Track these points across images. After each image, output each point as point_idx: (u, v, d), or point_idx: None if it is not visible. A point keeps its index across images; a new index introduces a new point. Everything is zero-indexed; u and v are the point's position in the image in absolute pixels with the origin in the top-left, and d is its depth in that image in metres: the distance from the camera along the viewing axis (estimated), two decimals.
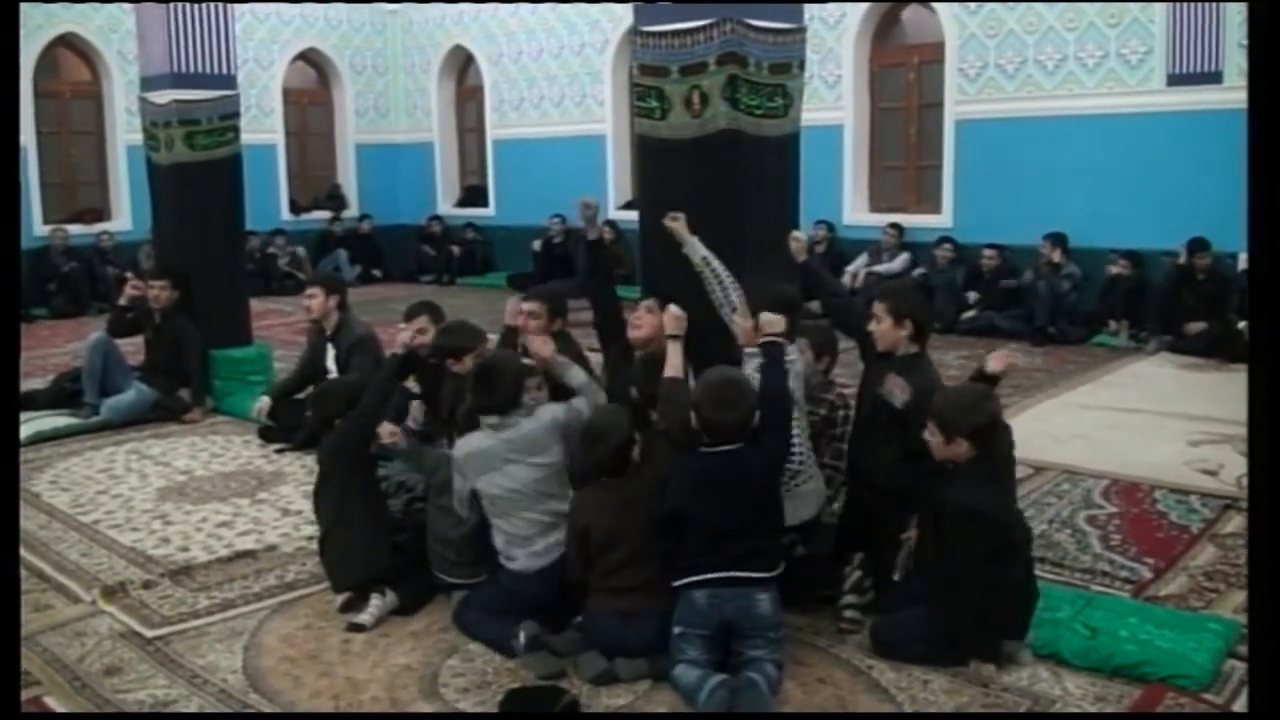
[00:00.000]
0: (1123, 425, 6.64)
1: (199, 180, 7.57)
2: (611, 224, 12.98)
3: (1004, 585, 3.49)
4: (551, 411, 3.94)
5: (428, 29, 15.86)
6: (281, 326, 10.98)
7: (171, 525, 5.10)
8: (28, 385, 7.67)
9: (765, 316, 3.73)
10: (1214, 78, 9.32)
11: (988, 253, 10.30)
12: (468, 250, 14.78)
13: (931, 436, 3.57)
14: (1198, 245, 8.99)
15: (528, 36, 14.68)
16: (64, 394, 7.19)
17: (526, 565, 3.80)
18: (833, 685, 3.44)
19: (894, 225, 11.16)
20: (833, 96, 11.77)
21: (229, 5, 7.84)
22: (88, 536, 4.96)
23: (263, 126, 14.52)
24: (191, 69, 7.65)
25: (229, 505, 5.38)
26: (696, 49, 4.26)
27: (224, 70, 7.81)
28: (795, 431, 3.75)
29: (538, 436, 3.85)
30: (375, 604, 3.93)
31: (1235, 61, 9.05)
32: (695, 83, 4.28)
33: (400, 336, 4.69)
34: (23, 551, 4.68)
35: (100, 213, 13.68)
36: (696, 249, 4.15)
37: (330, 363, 6.37)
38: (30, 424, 6.69)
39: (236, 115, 7.77)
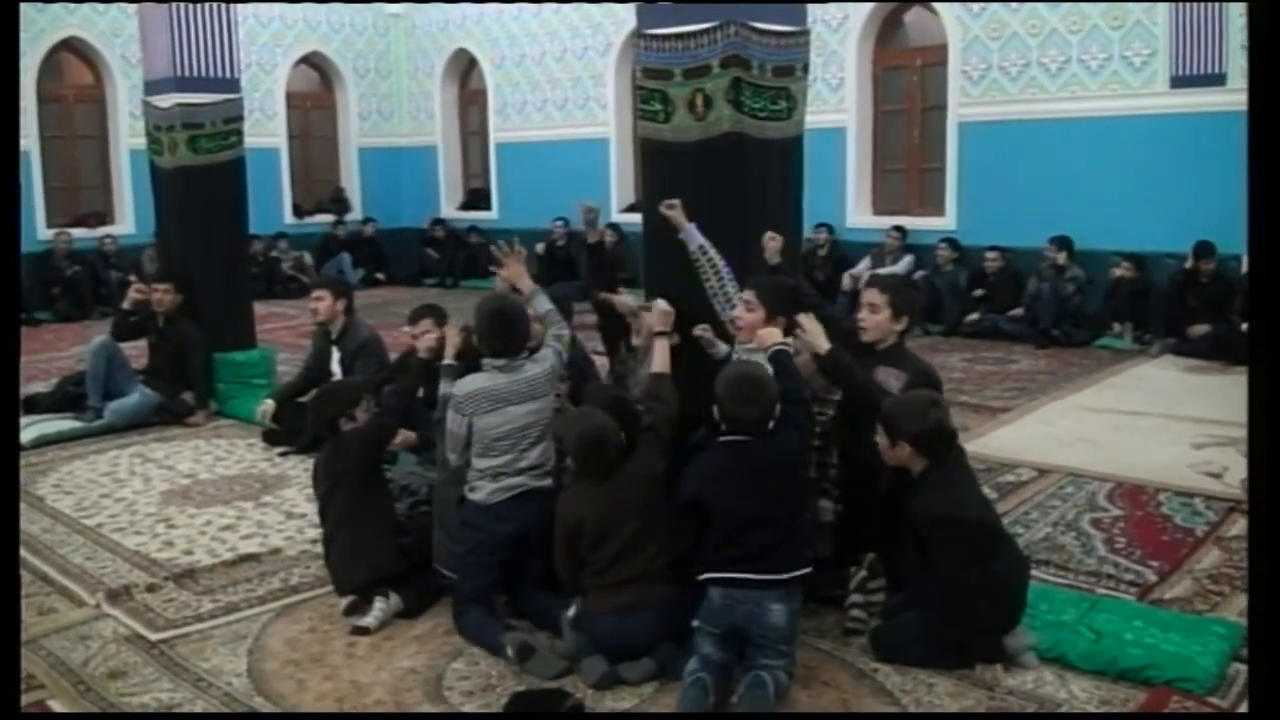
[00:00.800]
0: (1127, 428, 6.63)
1: (202, 184, 7.58)
2: (614, 227, 12.98)
3: (992, 583, 3.48)
4: (549, 357, 4.05)
5: (431, 32, 15.88)
6: (285, 330, 10.99)
7: (175, 528, 5.11)
8: (31, 389, 7.69)
9: (763, 332, 3.80)
10: (1217, 80, 9.31)
11: (990, 254, 10.30)
12: (470, 253, 14.79)
13: (880, 439, 3.61)
14: (1203, 250, 8.98)
15: (530, 40, 14.70)
16: (67, 397, 7.19)
17: (486, 498, 3.88)
18: (837, 688, 3.44)
19: (897, 228, 11.14)
20: (836, 99, 11.76)
21: (232, 9, 7.85)
22: (91, 540, 4.97)
23: (266, 130, 14.52)
24: (195, 73, 7.66)
25: (233, 508, 5.38)
26: (700, 52, 4.26)
27: (227, 74, 7.82)
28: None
29: (539, 380, 3.97)
30: (379, 607, 3.93)
31: (1239, 63, 9.03)
32: (699, 85, 4.28)
33: (421, 341, 4.85)
34: (27, 555, 4.69)
35: (103, 216, 13.69)
36: (693, 237, 4.16)
37: (335, 365, 6.39)
38: (34, 427, 6.70)
39: (240, 119, 7.77)
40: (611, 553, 3.57)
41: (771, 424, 3.54)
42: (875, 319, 4.05)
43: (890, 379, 3.92)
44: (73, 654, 3.76)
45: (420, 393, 5.85)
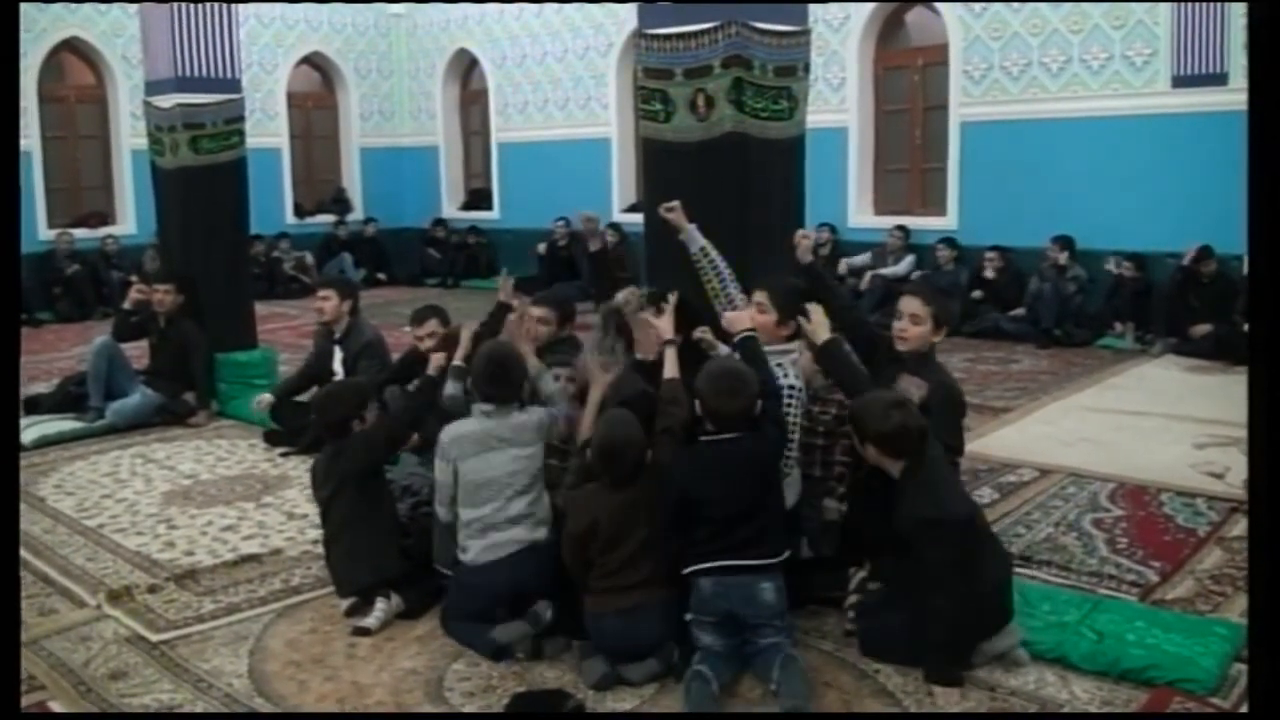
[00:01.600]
0: (1129, 428, 6.62)
1: (203, 184, 7.58)
2: (615, 227, 12.99)
3: (977, 584, 3.47)
4: (539, 412, 4.03)
5: (432, 32, 15.88)
6: (286, 330, 11.00)
7: (176, 529, 5.10)
8: (33, 389, 7.70)
9: (729, 315, 3.85)
10: (1219, 79, 9.30)
11: (989, 254, 10.29)
12: (471, 253, 14.80)
13: (852, 439, 3.66)
14: (1204, 254, 8.97)
15: (532, 40, 14.70)
16: (69, 398, 7.19)
17: (476, 558, 3.80)
18: (838, 689, 3.43)
19: (900, 228, 11.14)
20: (837, 99, 11.75)
21: (233, 9, 7.86)
22: (93, 540, 4.96)
23: (267, 130, 14.53)
24: (196, 73, 7.66)
25: (234, 509, 5.38)
26: (701, 52, 4.26)
27: (228, 74, 7.82)
28: (791, 423, 3.77)
29: (527, 429, 3.92)
30: (380, 608, 3.93)
31: (1240, 63, 9.01)
32: (700, 85, 4.28)
33: (425, 343, 4.88)
34: (28, 556, 4.69)
35: (105, 217, 13.70)
36: (694, 239, 4.16)
37: (337, 365, 6.39)
38: (35, 428, 6.70)
39: (241, 119, 7.77)
40: (623, 556, 3.54)
41: (753, 418, 3.56)
42: (918, 330, 4.03)
43: (912, 388, 3.91)
44: (73, 655, 3.76)
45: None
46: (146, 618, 4.05)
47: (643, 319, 4.29)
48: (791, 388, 3.91)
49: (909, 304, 4.06)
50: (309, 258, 14.45)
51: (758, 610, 3.43)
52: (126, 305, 7.41)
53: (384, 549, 4.09)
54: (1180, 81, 9.59)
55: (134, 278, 8.00)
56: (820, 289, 4.29)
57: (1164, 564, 4.40)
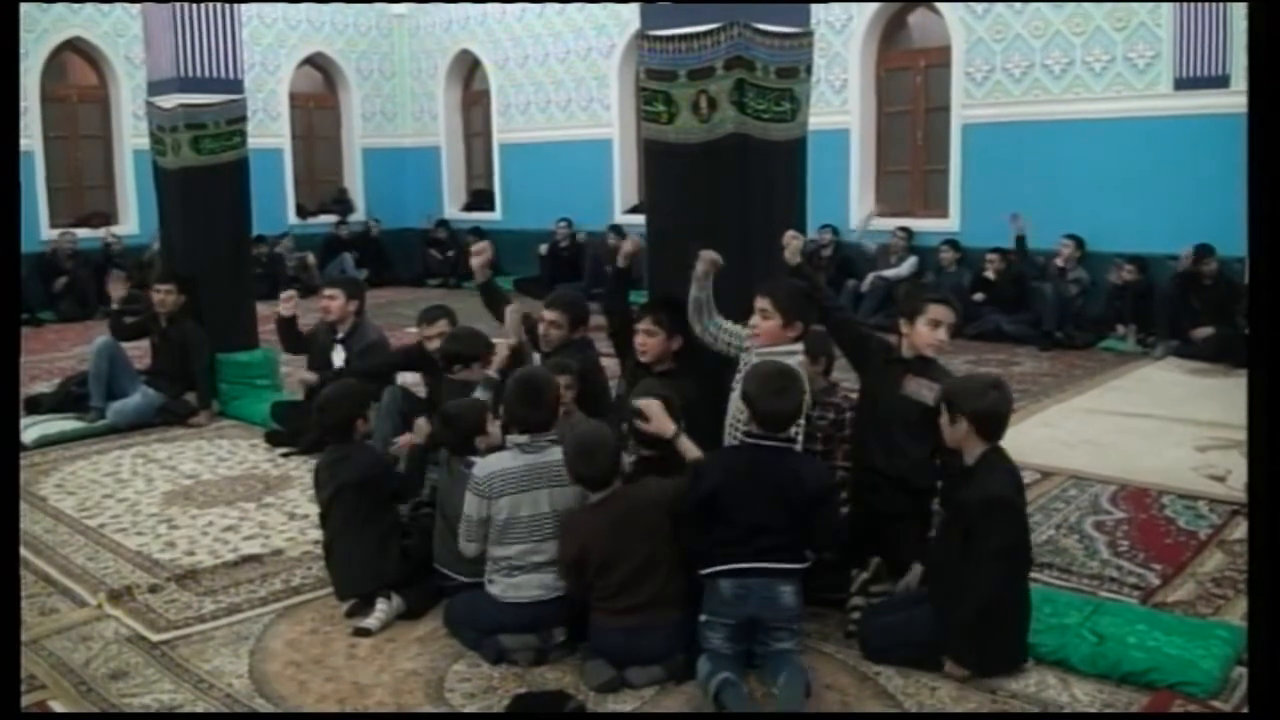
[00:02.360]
0: (1130, 430, 6.62)
1: (205, 184, 7.58)
2: (617, 229, 13.00)
3: (1016, 586, 3.48)
4: None
5: (434, 33, 15.88)
6: None
7: (177, 529, 5.10)
8: (34, 389, 7.71)
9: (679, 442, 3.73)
10: (1221, 81, 9.30)
11: (990, 256, 10.29)
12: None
13: (942, 417, 3.59)
14: (1204, 251, 8.97)
15: (534, 41, 14.70)
16: (70, 397, 7.19)
17: (500, 594, 3.70)
18: (839, 691, 3.43)
19: (903, 229, 11.14)
20: (839, 100, 11.76)
21: (236, 9, 7.86)
22: (93, 540, 4.96)
23: (269, 130, 14.54)
24: (198, 73, 7.66)
25: (235, 509, 5.38)
26: (704, 53, 4.25)
27: (231, 75, 7.82)
28: (795, 430, 3.77)
29: (563, 468, 3.70)
30: (381, 609, 3.93)
31: (1243, 65, 9.01)
32: (702, 87, 4.28)
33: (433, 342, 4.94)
34: (29, 555, 4.69)
35: (107, 216, 13.70)
36: (696, 287, 4.15)
37: (339, 364, 6.38)
38: (36, 427, 6.70)
39: (243, 119, 7.77)
40: (620, 579, 3.49)
41: (796, 431, 3.53)
42: (939, 336, 4.02)
43: (923, 390, 3.92)
44: (74, 654, 3.76)
45: (426, 390, 5.88)
46: (147, 617, 4.05)
47: (645, 328, 4.32)
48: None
49: (947, 314, 4.01)
50: (311, 258, 14.44)
51: (777, 613, 3.42)
52: (114, 305, 7.43)
53: (384, 554, 4.09)
54: (1182, 84, 9.60)
55: (116, 272, 7.99)
56: (810, 290, 4.28)
57: (1165, 567, 4.40)
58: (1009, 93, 10.69)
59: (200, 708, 3.40)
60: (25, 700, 3.39)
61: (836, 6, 11.54)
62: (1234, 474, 5.53)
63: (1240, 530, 4.77)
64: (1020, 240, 9.97)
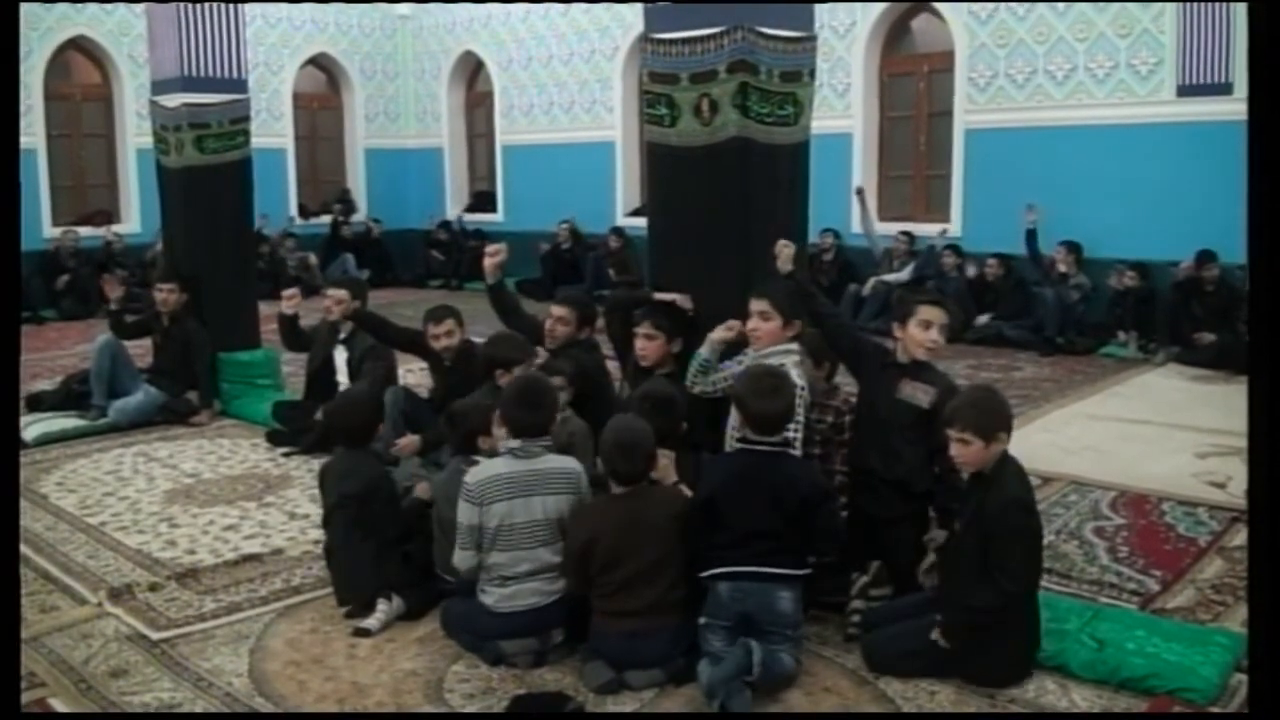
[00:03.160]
0: (1131, 436, 6.62)
1: (208, 184, 7.59)
2: (619, 231, 13.01)
3: (1030, 592, 3.49)
4: (574, 463, 3.83)
5: (438, 34, 15.90)
6: None
7: (178, 528, 5.11)
8: (36, 386, 7.72)
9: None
10: (1224, 89, 9.30)
11: (990, 261, 10.30)
12: (475, 255, 14.75)
13: (966, 446, 3.46)
14: (1206, 256, 8.97)
15: (538, 42, 14.71)
16: (72, 396, 7.20)
17: (493, 604, 3.68)
18: (838, 694, 3.44)
19: (905, 233, 11.13)
20: (842, 105, 11.77)
21: (240, 9, 7.87)
22: (94, 538, 4.97)
23: (273, 130, 14.56)
24: (202, 73, 7.68)
25: (236, 508, 5.39)
26: (707, 56, 4.26)
27: (235, 74, 7.83)
28: (793, 431, 3.77)
29: (558, 476, 3.71)
30: (381, 609, 3.93)
31: (1246, 72, 9.03)
32: (705, 90, 4.28)
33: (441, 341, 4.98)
34: (29, 553, 4.69)
35: (110, 215, 13.71)
36: (709, 349, 4.15)
37: (341, 364, 6.39)
38: (38, 425, 6.71)
39: (247, 119, 7.78)
40: (622, 578, 3.48)
41: (791, 433, 3.53)
42: (942, 340, 4.04)
43: (919, 393, 3.93)
44: (74, 652, 3.76)
45: (425, 392, 5.89)
46: (147, 616, 4.05)
47: (644, 332, 4.32)
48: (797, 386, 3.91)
49: (932, 313, 4.00)
50: (312, 258, 14.44)
51: (774, 618, 3.43)
52: (112, 306, 7.44)
53: (383, 564, 4.07)
54: (1185, 91, 9.60)
55: (107, 274, 7.98)
56: (808, 301, 4.28)
57: (1165, 573, 4.40)
58: (1012, 98, 10.70)
59: (200, 706, 3.40)
60: (25, 697, 3.39)
61: (840, 11, 11.56)
62: (1234, 481, 5.53)
63: (1240, 537, 4.77)
64: (1032, 234, 9.93)
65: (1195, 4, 9.38)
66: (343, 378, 6.35)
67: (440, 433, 4.91)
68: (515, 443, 3.72)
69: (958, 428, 3.46)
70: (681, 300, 4.36)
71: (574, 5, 14.10)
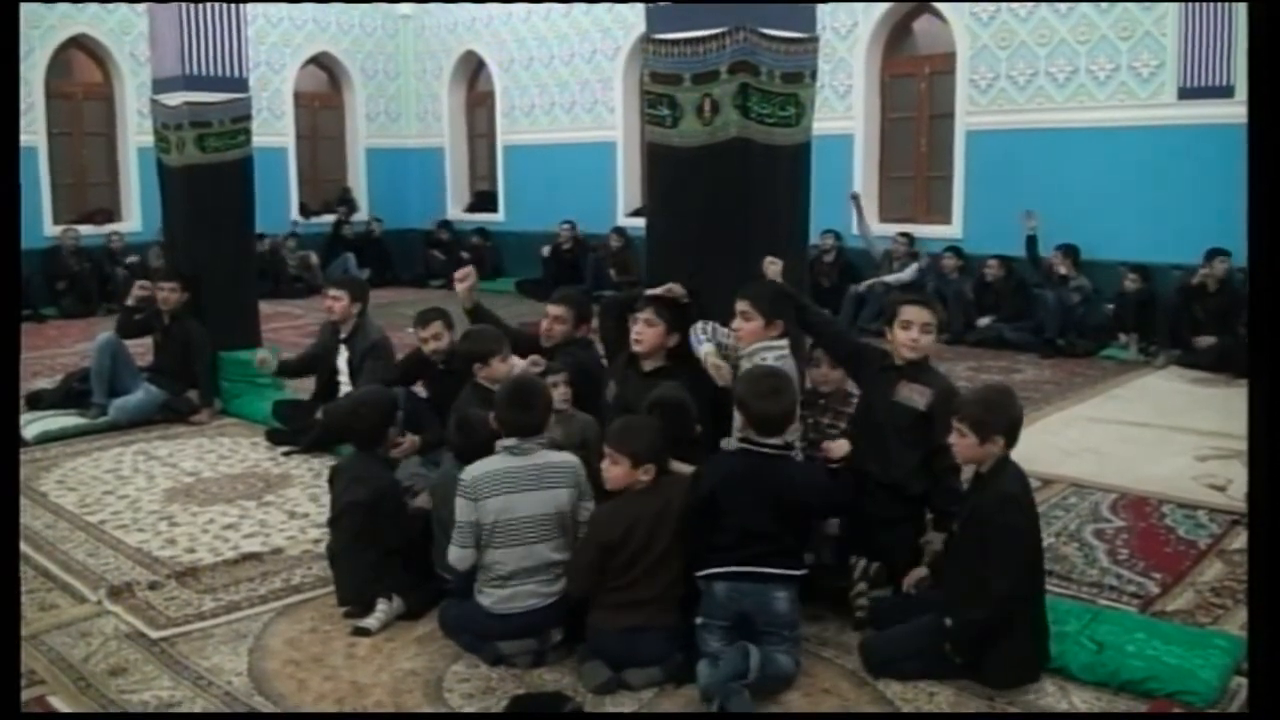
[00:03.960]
0: (1131, 439, 6.62)
1: (209, 182, 7.60)
2: (620, 231, 13.01)
3: (1033, 591, 3.48)
4: (572, 458, 3.83)
5: (439, 34, 15.90)
6: (290, 329, 11.00)
7: (178, 526, 5.11)
8: (36, 385, 7.72)
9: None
10: (1225, 91, 9.30)
11: (990, 263, 10.30)
12: (477, 255, 14.78)
13: (962, 439, 3.50)
14: (1215, 252, 8.92)
15: (539, 42, 14.71)
16: (72, 394, 7.20)
17: (490, 605, 3.67)
18: (838, 695, 3.44)
19: (905, 234, 11.13)
20: (843, 106, 11.77)
21: (241, 8, 7.87)
22: (94, 536, 4.97)
23: (274, 129, 14.57)
24: (203, 72, 7.69)
25: (236, 507, 5.38)
26: (709, 57, 4.25)
27: (236, 73, 7.84)
28: (794, 438, 3.78)
29: (555, 471, 3.71)
30: (381, 609, 3.93)
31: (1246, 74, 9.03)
32: (707, 91, 4.28)
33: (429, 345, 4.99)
34: (29, 550, 4.69)
35: (111, 214, 13.71)
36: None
37: (342, 364, 6.39)
38: (38, 423, 6.71)
39: (248, 118, 7.79)
40: (641, 570, 3.50)
41: (793, 436, 3.54)
42: (928, 339, 4.05)
43: (915, 395, 3.94)
44: (73, 650, 3.76)
45: (426, 392, 5.88)
46: (147, 614, 4.05)
47: (644, 318, 4.31)
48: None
49: (919, 313, 4.03)
50: (313, 257, 14.46)
51: (770, 618, 3.44)
52: (129, 302, 7.43)
53: (385, 569, 4.05)
54: (1187, 93, 9.61)
55: (141, 280, 8.00)
56: (802, 313, 4.28)
57: (1164, 576, 4.40)
58: (1013, 100, 10.70)
59: (199, 705, 3.41)
60: (25, 695, 3.39)
61: (842, 12, 11.56)
62: (1234, 484, 5.53)
63: (1240, 540, 4.77)
64: (1032, 241, 9.94)
65: (1197, 6, 9.39)
66: (343, 378, 6.35)
67: (440, 433, 4.91)
68: (510, 441, 3.73)
69: (959, 419, 3.50)
70: (675, 289, 4.34)
71: (575, 5, 14.11)
